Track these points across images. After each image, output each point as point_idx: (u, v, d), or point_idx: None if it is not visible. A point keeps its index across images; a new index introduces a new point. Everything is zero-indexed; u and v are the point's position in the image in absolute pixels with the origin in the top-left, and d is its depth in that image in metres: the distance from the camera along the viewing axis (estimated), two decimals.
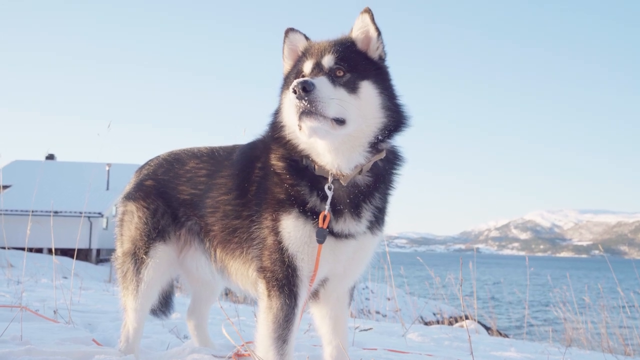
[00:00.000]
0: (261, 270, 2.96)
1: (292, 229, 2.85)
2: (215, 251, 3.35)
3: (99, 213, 38.96)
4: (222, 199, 3.26)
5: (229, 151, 3.47)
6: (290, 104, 2.62)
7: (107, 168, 42.23)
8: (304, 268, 2.88)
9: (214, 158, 3.47)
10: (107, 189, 41.48)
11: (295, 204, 2.87)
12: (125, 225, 3.61)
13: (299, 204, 2.87)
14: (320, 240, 2.80)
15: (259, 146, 3.20)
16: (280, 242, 2.87)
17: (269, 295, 2.90)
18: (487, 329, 10.60)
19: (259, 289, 2.97)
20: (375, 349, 4.64)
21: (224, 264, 3.33)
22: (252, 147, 3.28)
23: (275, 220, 2.89)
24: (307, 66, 2.84)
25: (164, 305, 3.97)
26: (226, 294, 10.91)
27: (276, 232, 2.88)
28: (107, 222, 41.55)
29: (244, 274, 3.24)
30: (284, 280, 2.87)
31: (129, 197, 3.64)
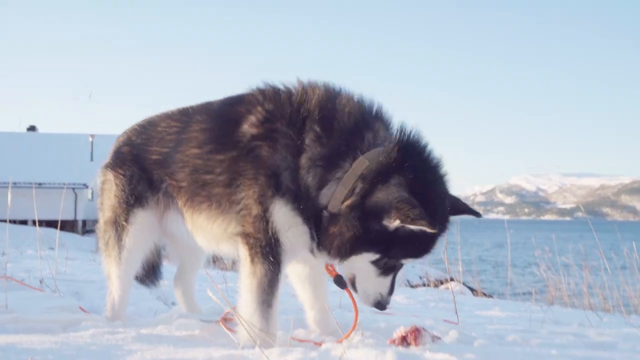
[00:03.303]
0: (244, 235, 2.96)
1: (283, 212, 2.87)
2: (184, 208, 3.32)
3: (84, 184, 38.66)
4: (191, 152, 3.21)
5: (201, 106, 3.42)
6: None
7: (90, 139, 41.77)
8: (287, 243, 2.92)
9: (185, 114, 3.43)
10: (91, 160, 41.07)
11: (290, 193, 2.87)
12: (105, 194, 3.62)
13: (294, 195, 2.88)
14: (342, 286, 3.06)
15: (246, 102, 3.13)
16: (266, 212, 2.87)
17: (252, 261, 2.92)
18: (472, 290, 10.77)
19: (241, 254, 2.98)
20: (362, 311, 4.69)
21: (191, 220, 3.30)
22: (237, 102, 3.19)
23: (265, 195, 2.87)
24: None
25: (152, 274, 3.97)
26: (214, 262, 10.94)
27: (265, 206, 2.88)
28: (92, 194, 41.28)
29: (207, 230, 3.23)
30: (268, 248, 2.89)
31: (106, 166, 3.64)
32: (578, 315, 6.35)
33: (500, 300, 9.16)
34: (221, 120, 3.18)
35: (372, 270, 2.86)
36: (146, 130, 3.55)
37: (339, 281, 3.06)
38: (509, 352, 2.98)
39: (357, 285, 2.96)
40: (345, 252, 2.80)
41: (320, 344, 2.99)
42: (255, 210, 2.89)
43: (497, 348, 3.21)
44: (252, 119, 3.01)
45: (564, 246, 11.28)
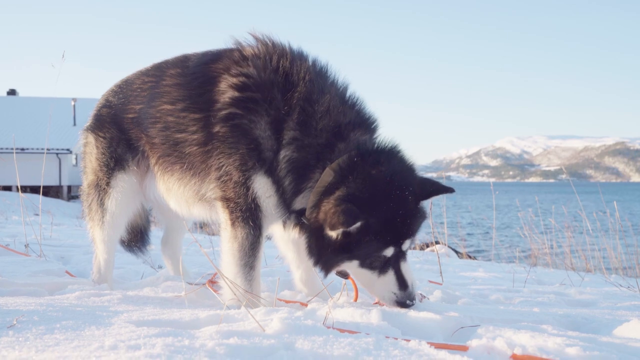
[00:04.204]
0: (224, 199, 2.96)
1: (264, 182, 2.89)
2: (156, 167, 3.29)
3: (67, 149, 38.23)
4: (164, 108, 3.16)
5: (176, 60, 3.34)
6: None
7: (72, 103, 41.10)
8: (267, 209, 2.94)
9: (159, 69, 3.36)
10: (74, 124, 40.50)
11: (270, 167, 2.89)
12: (87, 157, 3.59)
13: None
14: (344, 276, 3.07)
15: (225, 59, 3.07)
16: (247, 180, 2.88)
17: (233, 225, 2.94)
18: (458, 253, 10.92)
19: (222, 218, 3.00)
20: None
21: (163, 181, 3.28)
22: (215, 58, 3.12)
23: (247, 164, 2.87)
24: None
25: (139, 239, 3.95)
26: (201, 227, 10.95)
27: (247, 174, 2.88)
28: (76, 159, 40.89)
29: (179, 192, 3.22)
30: (248, 212, 2.91)
31: (87, 128, 3.61)
32: (560, 275, 6.48)
33: (484, 262, 9.31)
34: (197, 76, 3.11)
35: (368, 273, 2.83)
36: (123, 90, 3.49)
37: (341, 272, 3.06)
38: (492, 310, 3.03)
39: (369, 291, 2.95)
40: (326, 266, 2.86)
41: (306, 305, 3.01)
42: (236, 176, 2.89)
43: (481, 306, 3.27)
44: (231, 80, 2.95)
45: (548, 208, 11.42)
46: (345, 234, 2.69)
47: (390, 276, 2.81)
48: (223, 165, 2.92)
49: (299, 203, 2.92)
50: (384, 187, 2.72)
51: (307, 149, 2.85)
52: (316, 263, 2.86)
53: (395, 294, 2.81)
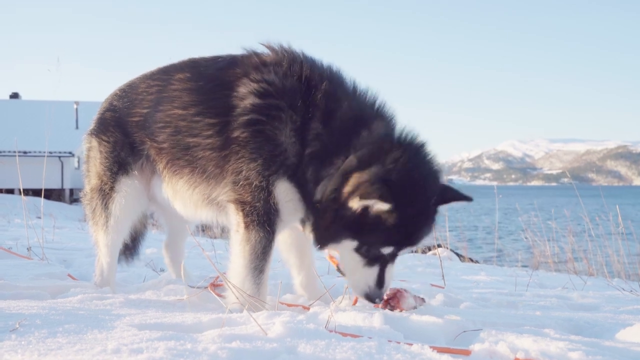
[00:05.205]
0: (240, 202, 2.95)
1: (286, 186, 2.91)
2: (164, 171, 3.29)
3: (70, 152, 38.31)
4: (174, 113, 3.16)
5: (184, 64, 3.33)
6: None
7: (75, 106, 41.17)
8: (285, 213, 2.96)
9: (166, 73, 3.35)
10: (77, 127, 40.55)
11: (294, 171, 2.90)
12: (90, 161, 3.58)
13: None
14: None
15: (241, 64, 3.08)
16: (269, 185, 2.88)
17: (247, 228, 2.93)
18: (460, 256, 10.91)
19: (234, 221, 2.98)
20: None
21: (171, 184, 3.28)
22: (231, 63, 3.13)
23: (269, 170, 2.88)
24: None
25: (132, 246, 3.93)
26: (202, 230, 10.95)
27: (269, 179, 2.88)
28: (78, 162, 40.95)
29: (187, 195, 3.22)
30: (265, 216, 2.91)
31: (91, 132, 3.60)
32: (562, 279, 6.47)
33: (486, 266, 9.29)
34: (211, 81, 3.11)
35: (357, 259, 2.86)
36: (127, 94, 3.47)
37: (342, 270, 3.07)
38: (494, 314, 3.03)
39: (347, 275, 2.98)
40: (324, 238, 2.87)
41: (308, 308, 3.02)
42: (257, 180, 2.88)
43: (483, 310, 3.27)
44: (252, 86, 2.95)
45: (550, 212, 11.40)
46: (364, 213, 2.70)
47: (373, 271, 2.87)
48: (242, 170, 2.91)
49: (319, 193, 2.91)
50: (414, 186, 2.73)
51: (330, 138, 2.88)
52: (318, 237, 2.90)
53: (369, 287, 2.87)
